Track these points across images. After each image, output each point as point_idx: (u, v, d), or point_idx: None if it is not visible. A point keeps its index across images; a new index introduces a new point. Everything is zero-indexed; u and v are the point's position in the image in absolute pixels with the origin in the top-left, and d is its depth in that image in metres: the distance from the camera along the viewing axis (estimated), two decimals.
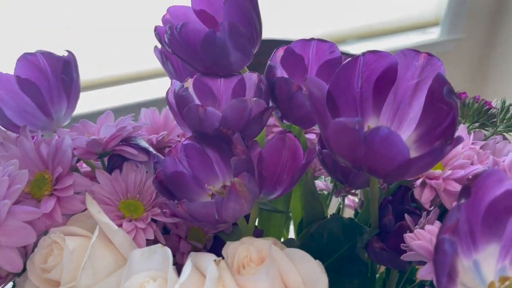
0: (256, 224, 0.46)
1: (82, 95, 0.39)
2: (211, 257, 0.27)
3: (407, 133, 0.30)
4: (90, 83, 1.15)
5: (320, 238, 0.38)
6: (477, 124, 0.47)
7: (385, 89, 0.30)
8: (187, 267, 0.25)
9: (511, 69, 1.93)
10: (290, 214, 0.48)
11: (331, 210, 0.51)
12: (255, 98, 0.31)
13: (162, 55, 0.42)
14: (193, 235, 0.36)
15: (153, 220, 0.32)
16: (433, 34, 1.90)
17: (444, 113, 0.27)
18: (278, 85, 0.34)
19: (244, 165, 0.29)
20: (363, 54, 0.28)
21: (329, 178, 0.49)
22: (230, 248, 0.29)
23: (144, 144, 0.33)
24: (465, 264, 0.25)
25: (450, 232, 0.21)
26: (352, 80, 0.29)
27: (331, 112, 0.29)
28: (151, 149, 0.34)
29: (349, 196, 0.50)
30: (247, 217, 0.36)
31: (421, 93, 0.29)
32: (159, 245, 0.26)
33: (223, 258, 0.29)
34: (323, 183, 0.49)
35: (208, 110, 0.30)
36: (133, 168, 0.33)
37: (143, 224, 0.30)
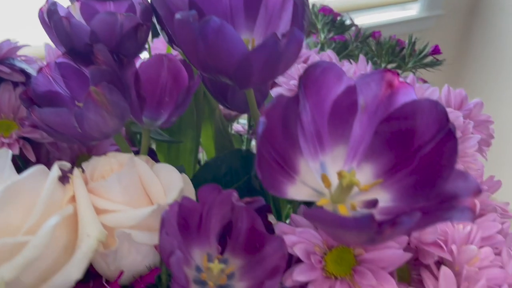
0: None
1: None
2: (60, 162, 0.26)
3: None
4: None
5: (217, 169, 0.38)
6: (394, 64, 0.47)
7: (256, 2, 0.29)
8: (31, 170, 0.25)
9: (491, 46, 1.92)
10: (205, 153, 0.47)
11: None
12: (126, 13, 0.30)
13: None
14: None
15: (26, 139, 0.31)
16: (412, 10, 1.89)
17: None
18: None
19: (104, 75, 0.28)
20: None
21: (246, 120, 0.49)
22: (92, 161, 0.29)
23: (22, 65, 0.33)
24: (311, 165, 0.25)
25: (265, 115, 0.21)
26: None
27: None
28: (30, 70, 0.33)
29: None
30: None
31: (288, 4, 0.29)
32: (4, 149, 0.26)
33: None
34: (241, 126, 0.48)
35: (73, 22, 0.29)
36: (8, 88, 0.32)
37: (9, 140, 0.30)
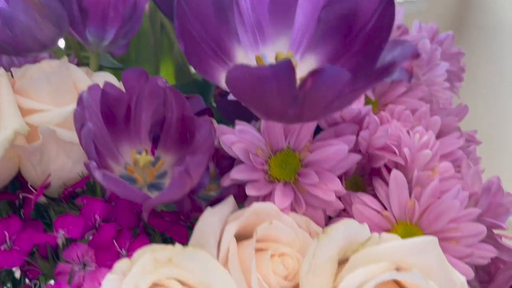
0: None
1: None
2: None
3: None
4: None
5: None
6: None
7: None
8: None
9: (486, 27, 1.90)
10: None
11: None
12: None
13: None
14: None
15: None
16: None
17: None
18: None
19: None
20: None
21: None
22: (24, 67, 0.27)
23: None
24: (251, 56, 0.23)
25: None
26: None
27: None
28: None
29: None
30: None
31: None
32: None
33: None
34: None
35: None
36: None
37: None
